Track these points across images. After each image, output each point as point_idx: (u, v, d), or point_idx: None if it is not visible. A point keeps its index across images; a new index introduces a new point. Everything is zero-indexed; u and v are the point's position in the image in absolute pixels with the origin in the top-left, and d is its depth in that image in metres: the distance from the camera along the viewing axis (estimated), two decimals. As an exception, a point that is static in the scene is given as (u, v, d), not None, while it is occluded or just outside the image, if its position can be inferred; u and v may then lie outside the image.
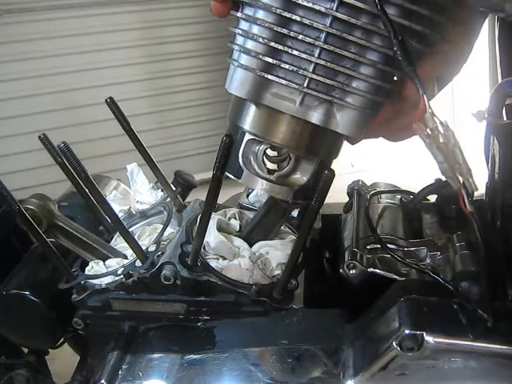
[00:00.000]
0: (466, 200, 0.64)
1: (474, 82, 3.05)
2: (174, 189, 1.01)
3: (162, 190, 1.05)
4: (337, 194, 0.92)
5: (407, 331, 0.67)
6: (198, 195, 1.00)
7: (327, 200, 0.74)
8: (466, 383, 0.70)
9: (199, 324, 0.83)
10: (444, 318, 0.70)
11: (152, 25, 3.70)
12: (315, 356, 0.75)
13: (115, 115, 0.92)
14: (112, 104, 0.92)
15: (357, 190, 1.00)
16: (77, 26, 3.43)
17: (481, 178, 0.83)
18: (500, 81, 0.78)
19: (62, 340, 0.93)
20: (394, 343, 0.68)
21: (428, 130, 0.62)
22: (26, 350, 1.02)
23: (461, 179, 0.62)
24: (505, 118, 0.78)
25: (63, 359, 1.08)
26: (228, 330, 0.82)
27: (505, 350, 0.66)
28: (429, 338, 0.66)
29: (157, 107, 3.84)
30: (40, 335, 0.92)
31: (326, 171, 0.71)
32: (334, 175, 0.71)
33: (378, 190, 0.98)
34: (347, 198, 1.01)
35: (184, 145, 3.95)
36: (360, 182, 1.03)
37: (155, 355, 0.80)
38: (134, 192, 1.08)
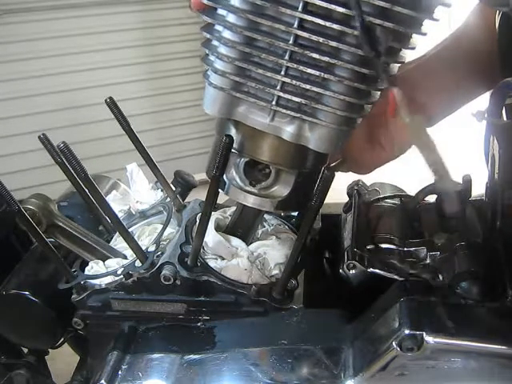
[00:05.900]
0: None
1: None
2: (173, 189, 1.01)
3: (161, 190, 1.05)
4: (337, 194, 0.92)
5: (407, 331, 0.67)
6: (198, 195, 1.00)
7: (327, 200, 0.74)
8: (465, 383, 0.70)
9: (199, 324, 0.83)
10: (444, 317, 0.70)
11: (152, 25, 3.70)
12: (315, 356, 0.74)
13: (115, 115, 0.92)
14: (112, 104, 0.92)
15: (357, 190, 1.00)
16: (77, 25, 3.43)
17: (481, 178, 0.84)
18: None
19: (61, 340, 0.93)
20: (393, 343, 0.68)
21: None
22: (26, 350, 1.02)
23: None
24: (505, 118, 0.78)
25: (63, 359, 1.08)
26: (228, 330, 0.82)
27: (505, 350, 0.66)
28: (429, 338, 0.66)
29: (157, 107, 3.85)
30: (40, 335, 0.92)
31: (326, 171, 0.71)
32: (334, 175, 0.71)
33: (378, 196, 0.98)
34: (347, 198, 1.01)
35: (184, 145, 3.96)
36: (360, 182, 1.03)
37: (155, 355, 0.80)
38: (133, 192, 1.08)
